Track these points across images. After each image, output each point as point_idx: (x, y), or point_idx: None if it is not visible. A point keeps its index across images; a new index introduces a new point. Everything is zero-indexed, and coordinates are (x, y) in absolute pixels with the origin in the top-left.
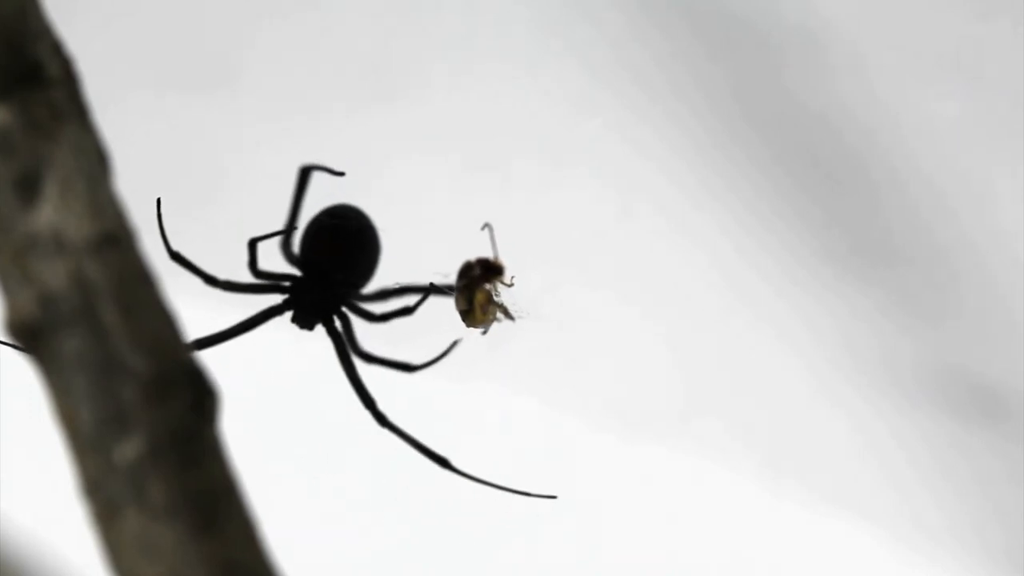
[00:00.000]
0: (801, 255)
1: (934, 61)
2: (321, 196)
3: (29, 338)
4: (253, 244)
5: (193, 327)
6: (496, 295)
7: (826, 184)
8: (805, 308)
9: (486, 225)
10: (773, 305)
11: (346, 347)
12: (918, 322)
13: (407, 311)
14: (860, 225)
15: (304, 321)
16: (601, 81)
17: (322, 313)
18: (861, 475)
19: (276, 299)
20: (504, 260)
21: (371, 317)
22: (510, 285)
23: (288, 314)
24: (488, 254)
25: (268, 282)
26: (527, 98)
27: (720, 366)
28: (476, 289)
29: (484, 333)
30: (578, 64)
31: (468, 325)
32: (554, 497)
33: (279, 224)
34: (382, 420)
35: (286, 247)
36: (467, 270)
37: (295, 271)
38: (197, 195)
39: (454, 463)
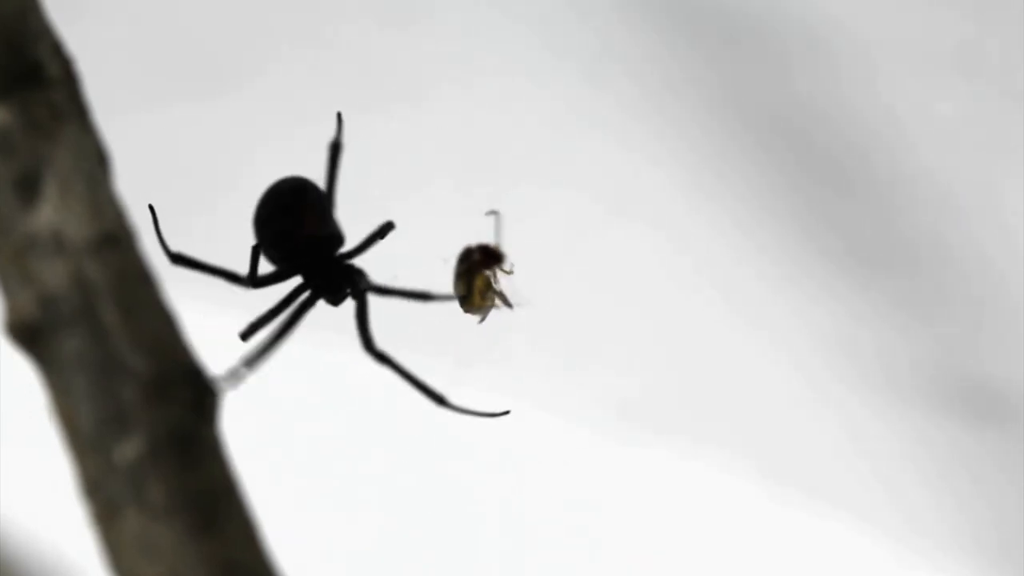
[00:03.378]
0: (798, 255)
1: (937, 59)
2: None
3: (29, 338)
4: (257, 250)
5: (193, 327)
6: (495, 282)
7: (824, 184)
8: (803, 309)
9: (493, 211)
10: (770, 306)
11: (366, 306)
12: (916, 323)
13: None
14: (858, 225)
15: (337, 297)
16: (598, 80)
17: (346, 280)
18: (859, 476)
19: (291, 291)
20: (505, 247)
21: (365, 246)
22: (510, 272)
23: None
24: (489, 241)
25: (284, 269)
26: (527, 97)
27: (717, 367)
28: (476, 274)
29: (481, 321)
30: (575, 63)
31: (466, 311)
32: (507, 412)
33: None
34: (381, 357)
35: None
36: (467, 255)
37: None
38: (197, 196)
39: (450, 400)
